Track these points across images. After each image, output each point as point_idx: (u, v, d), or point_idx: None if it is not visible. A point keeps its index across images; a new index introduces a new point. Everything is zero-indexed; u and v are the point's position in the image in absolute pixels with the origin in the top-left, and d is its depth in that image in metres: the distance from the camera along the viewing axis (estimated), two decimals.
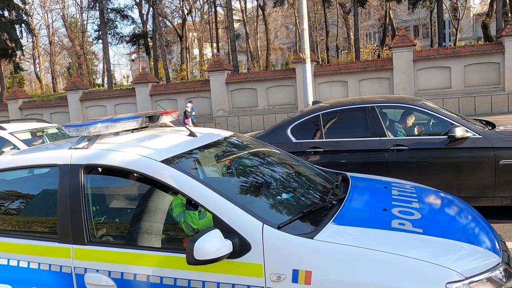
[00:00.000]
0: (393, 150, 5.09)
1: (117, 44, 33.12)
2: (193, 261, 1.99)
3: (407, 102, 5.50)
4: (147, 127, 3.20)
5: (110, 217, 2.74)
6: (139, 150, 2.54)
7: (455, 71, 16.21)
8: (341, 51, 44.19)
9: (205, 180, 2.40)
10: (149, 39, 31.76)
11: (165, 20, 32.26)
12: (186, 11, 31.83)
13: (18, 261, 2.53)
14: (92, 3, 29.12)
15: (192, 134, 3.00)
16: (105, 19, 27.95)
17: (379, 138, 5.20)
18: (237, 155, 3.04)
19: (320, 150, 5.32)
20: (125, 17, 31.19)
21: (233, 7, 27.26)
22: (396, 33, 21.34)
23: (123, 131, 2.90)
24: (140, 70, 21.17)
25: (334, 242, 2.05)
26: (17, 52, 28.99)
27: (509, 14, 19.36)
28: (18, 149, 7.33)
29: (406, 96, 8.21)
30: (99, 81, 47.41)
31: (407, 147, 5.04)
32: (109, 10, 30.00)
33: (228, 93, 18.57)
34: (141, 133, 3.06)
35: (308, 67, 11.78)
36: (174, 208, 3.22)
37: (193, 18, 42.21)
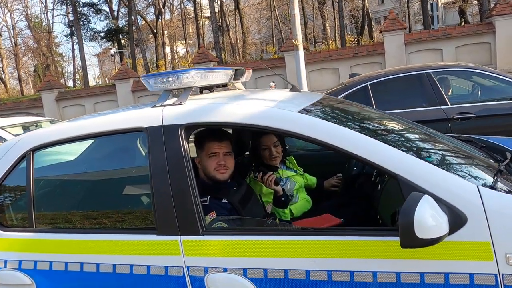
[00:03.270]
0: (457, 119, 4.57)
1: (91, 40, 31.45)
2: (413, 243, 1.35)
3: (466, 67, 5.00)
4: (226, 86, 2.53)
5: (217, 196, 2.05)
6: (259, 103, 1.87)
7: (447, 52, 16.05)
8: (315, 44, 44.01)
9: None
10: (121, 35, 30.42)
11: (138, 16, 30.91)
12: (160, 5, 30.61)
13: (98, 265, 1.80)
14: None
15: (295, 89, 2.36)
16: (78, 14, 26.44)
17: (439, 107, 4.66)
18: (359, 109, 2.39)
19: None
20: (99, 11, 29.68)
21: None
22: (372, 22, 21.06)
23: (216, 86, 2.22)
24: (116, 69, 20.13)
25: None
26: None
27: None
28: None
29: (456, 63, 7.71)
30: (69, 83, 45.36)
31: (473, 115, 4.53)
32: (81, 4, 28.46)
33: None
34: (226, 92, 2.39)
35: (301, 54, 11.12)
36: (264, 196, 2.56)
37: (163, 15, 40.96)
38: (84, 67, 26.69)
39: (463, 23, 23.29)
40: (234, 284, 1.64)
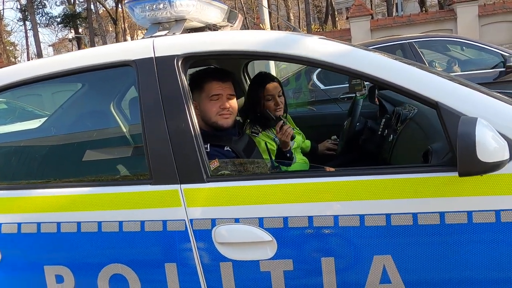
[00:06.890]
0: None
1: (47, 25, 29.77)
2: (474, 168, 1.16)
3: (448, 35, 4.94)
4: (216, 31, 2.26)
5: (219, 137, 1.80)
6: (271, 33, 1.63)
7: None
8: None
9: None
10: (79, 21, 29.10)
11: (97, 3, 29.61)
12: None
13: (79, 224, 1.50)
14: None
15: (296, 30, 2.13)
16: None
17: None
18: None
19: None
20: None
21: None
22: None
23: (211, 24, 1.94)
24: None
25: None
26: None
27: None
28: None
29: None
30: None
31: None
32: None
33: None
34: None
35: None
36: (262, 152, 2.30)
37: (123, 2, 39.61)
38: (39, 54, 25.35)
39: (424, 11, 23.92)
40: (248, 236, 1.39)
